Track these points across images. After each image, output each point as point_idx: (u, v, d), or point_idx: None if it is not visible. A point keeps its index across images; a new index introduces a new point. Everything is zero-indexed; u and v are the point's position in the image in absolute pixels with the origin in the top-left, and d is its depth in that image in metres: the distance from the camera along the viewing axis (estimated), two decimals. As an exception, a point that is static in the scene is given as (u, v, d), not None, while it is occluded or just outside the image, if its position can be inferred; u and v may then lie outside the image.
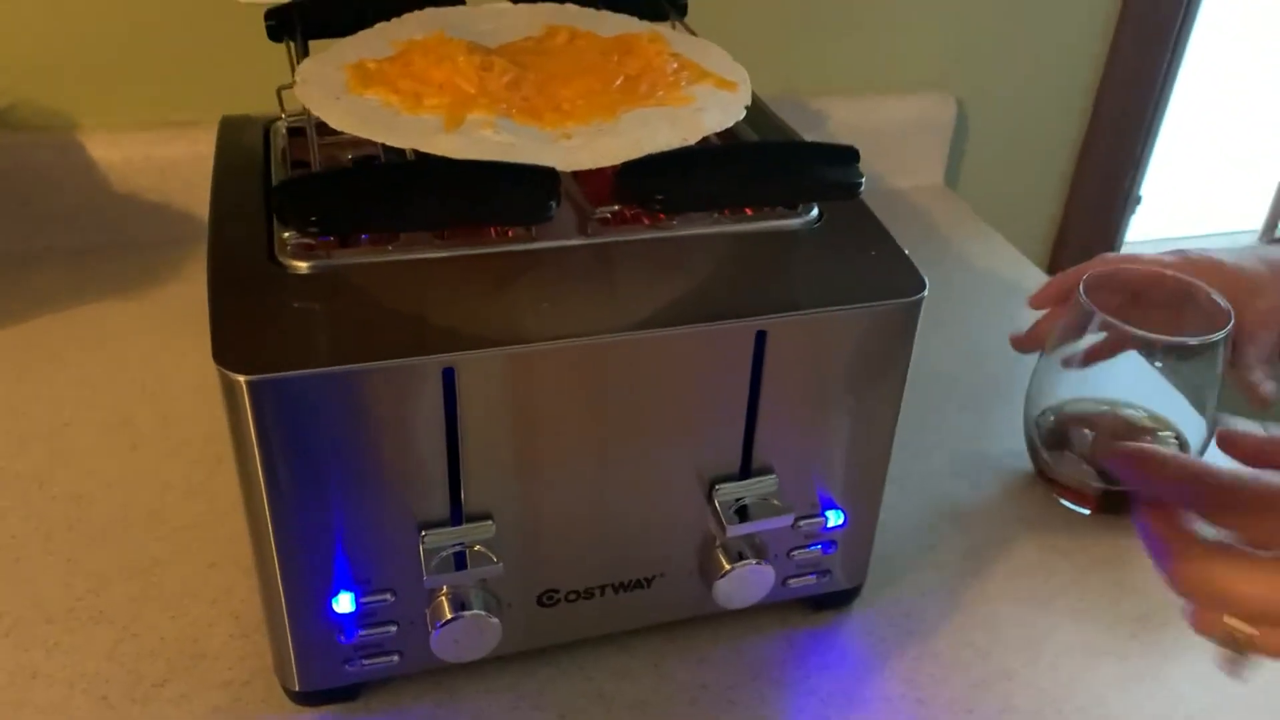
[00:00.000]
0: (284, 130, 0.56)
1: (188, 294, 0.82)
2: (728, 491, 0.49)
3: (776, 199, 0.50)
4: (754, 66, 0.55)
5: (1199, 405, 0.61)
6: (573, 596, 0.51)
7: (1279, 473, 0.33)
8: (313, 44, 0.56)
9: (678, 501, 0.49)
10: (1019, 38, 1.06)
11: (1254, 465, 0.37)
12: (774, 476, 0.50)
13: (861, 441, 0.51)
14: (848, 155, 0.48)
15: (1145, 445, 0.36)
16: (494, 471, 0.45)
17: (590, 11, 0.60)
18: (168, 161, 0.86)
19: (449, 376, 0.42)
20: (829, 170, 0.48)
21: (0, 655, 0.53)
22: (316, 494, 0.43)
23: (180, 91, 0.87)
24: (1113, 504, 0.64)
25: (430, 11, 0.58)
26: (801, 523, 0.52)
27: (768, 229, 0.50)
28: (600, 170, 0.45)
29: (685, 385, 0.46)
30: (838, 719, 0.52)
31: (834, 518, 0.53)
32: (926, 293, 0.47)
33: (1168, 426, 0.64)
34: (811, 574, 0.54)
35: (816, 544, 0.53)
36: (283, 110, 0.55)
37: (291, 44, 0.56)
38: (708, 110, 0.50)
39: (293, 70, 0.52)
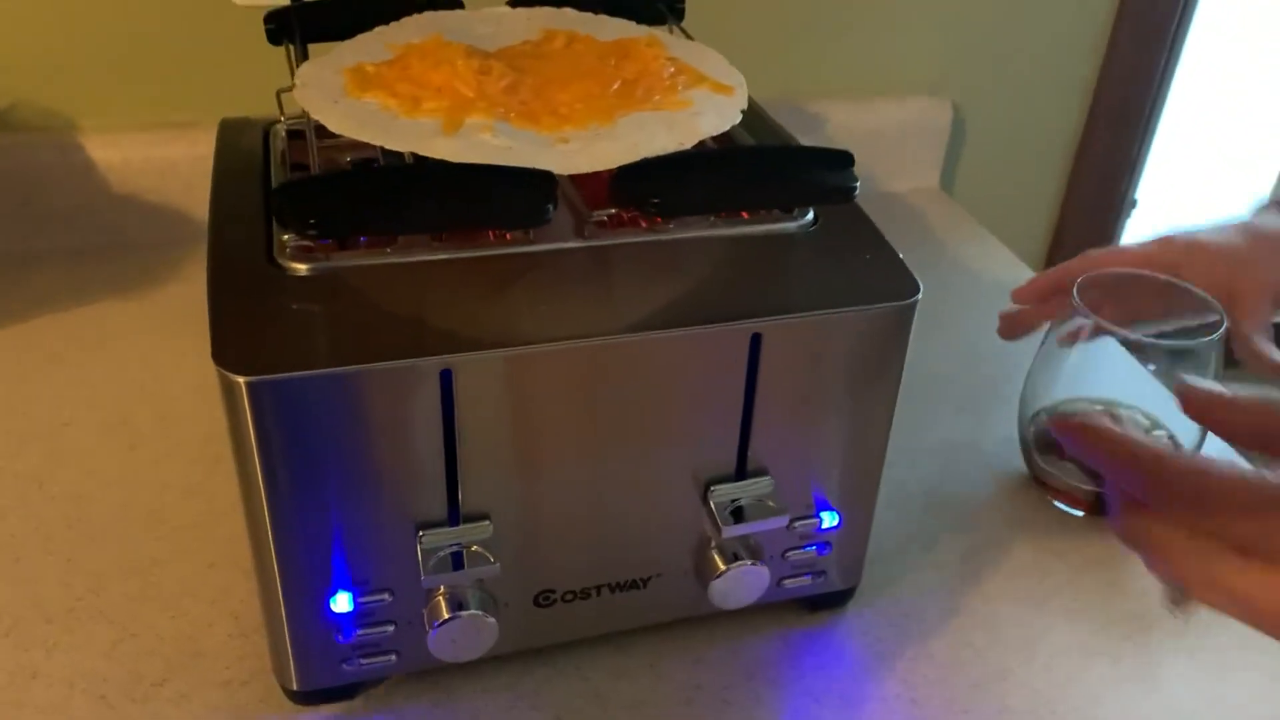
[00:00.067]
0: (283, 133, 0.57)
1: (187, 295, 0.82)
2: (723, 493, 0.49)
3: (771, 203, 0.51)
4: (751, 70, 0.56)
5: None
6: (569, 597, 0.51)
7: (1217, 462, 0.34)
8: (312, 47, 0.56)
9: (673, 502, 0.50)
10: (1015, 41, 1.06)
11: (1199, 420, 0.37)
12: (769, 478, 0.50)
13: (856, 443, 0.51)
14: (842, 159, 0.48)
15: (1091, 417, 0.37)
16: (491, 472, 0.46)
17: (588, 16, 0.60)
18: (167, 162, 0.87)
19: (447, 378, 0.42)
20: (823, 174, 0.48)
21: (0, 655, 0.53)
22: (315, 494, 0.44)
23: (180, 93, 0.87)
24: (1105, 506, 0.64)
25: (429, 15, 0.58)
26: (796, 524, 0.52)
27: (763, 232, 0.50)
28: (597, 174, 0.46)
29: (681, 387, 0.46)
30: (833, 719, 0.53)
31: (829, 519, 0.53)
32: (920, 296, 0.48)
33: (1161, 426, 0.64)
34: (807, 575, 0.55)
35: (811, 545, 0.54)
36: (282, 113, 0.56)
37: (291, 47, 0.57)
38: (704, 114, 0.50)
39: (292, 73, 0.52)
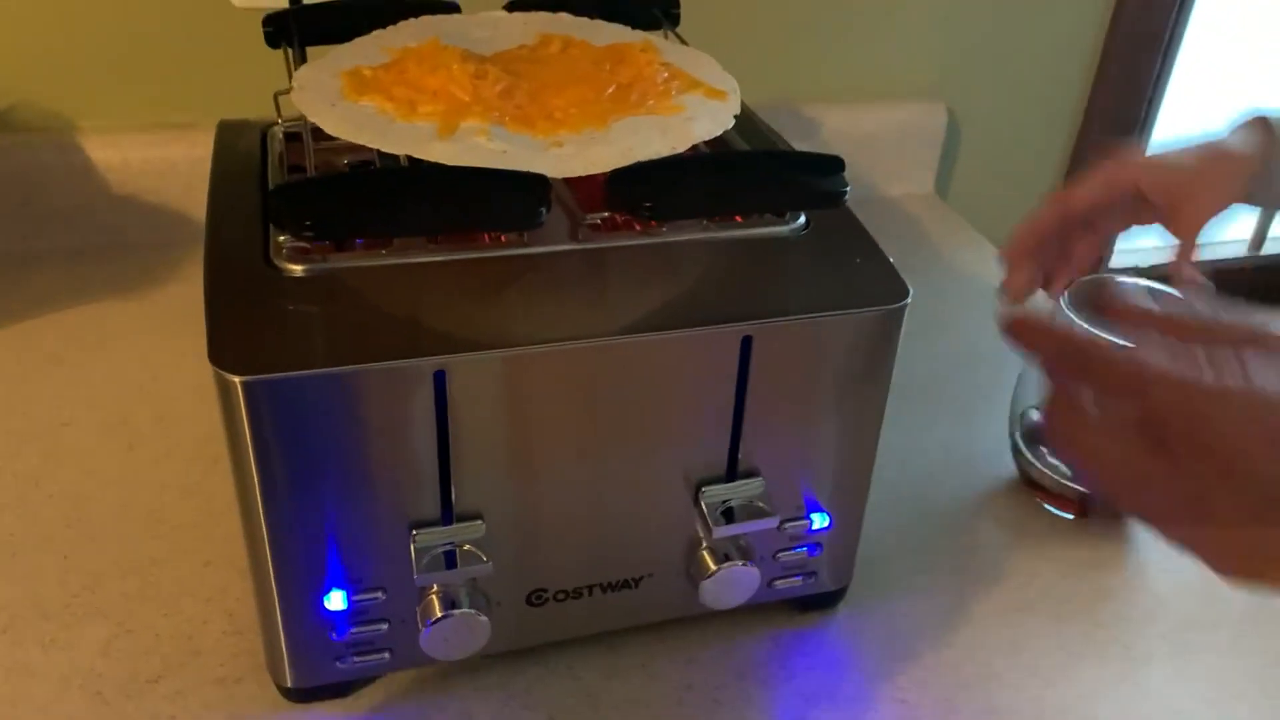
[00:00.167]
0: (281, 135, 0.57)
1: (185, 295, 0.82)
2: (714, 494, 0.50)
3: (762, 207, 0.51)
4: (745, 75, 0.56)
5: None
6: (561, 596, 0.51)
7: (1143, 347, 0.35)
8: (310, 50, 0.56)
9: (665, 503, 0.50)
10: (1009, 46, 1.07)
11: (1015, 344, 0.38)
12: (760, 479, 0.50)
13: (846, 445, 0.52)
14: (833, 165, 0.48)
15: (1029, 313, 0.38)
16: (484, 472, 0.46)
17: (584, 21, 0.61)
18: (166, 163, 0.87)
19: (441, 379, 0.43)
20: (814, 179, 0.48)
21: (-3, 651, 0.54)
22: (310, 493, 0.44)
23: (179, 94, 0.88)
24: (1094, 509, 0.65)
25: (425, 19, 0.59)
26: (787, 525, 0.53)
27: (755, 236, 0.51)
28: (592, 177, 0.46)
29: (673, 389, 0.47)
30: (823, 719, 0.53)
31: (819, 520, 0.53)
32: (910, 300, 0.48)
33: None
34: (797, 575, 0.55)
35: (802, 546, 0.54)
36: (279, 115, 0.56)
37: (289, 50, 0.57)
38: (697, 119, 0.50)
39: (290, 76, 0.53)
